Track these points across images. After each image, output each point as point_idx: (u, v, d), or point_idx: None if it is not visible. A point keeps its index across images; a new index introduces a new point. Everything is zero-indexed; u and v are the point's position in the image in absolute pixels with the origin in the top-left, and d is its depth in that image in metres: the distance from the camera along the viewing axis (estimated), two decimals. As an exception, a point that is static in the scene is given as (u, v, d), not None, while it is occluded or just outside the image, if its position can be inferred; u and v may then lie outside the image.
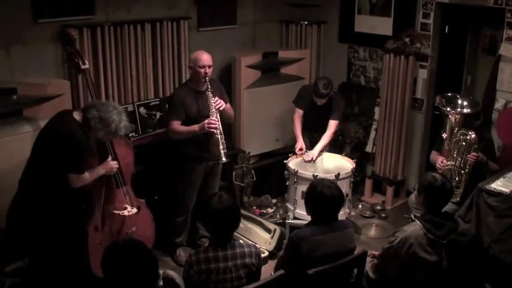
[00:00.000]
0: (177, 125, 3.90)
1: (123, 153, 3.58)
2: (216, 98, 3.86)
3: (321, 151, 4.56)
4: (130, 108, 4.36)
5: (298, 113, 4.72)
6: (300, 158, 4.54)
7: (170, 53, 4.65)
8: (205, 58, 3.83)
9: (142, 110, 4.43)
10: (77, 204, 3.37)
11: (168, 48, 4.62)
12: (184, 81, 4.66)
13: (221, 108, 3.85)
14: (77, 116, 3.18)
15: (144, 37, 4.46)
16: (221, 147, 3.82)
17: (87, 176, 3.26)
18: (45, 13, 3.92)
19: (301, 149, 4.59)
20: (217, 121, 3.80)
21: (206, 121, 3.77)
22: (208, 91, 3.83)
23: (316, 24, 5.50)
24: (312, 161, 4.47)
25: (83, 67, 3.54)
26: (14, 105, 3.60)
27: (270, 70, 5.17)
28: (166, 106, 4.32)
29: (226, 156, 3.86)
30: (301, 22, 5.46)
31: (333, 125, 4.57)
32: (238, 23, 5.23)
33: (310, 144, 4.68)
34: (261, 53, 5.06)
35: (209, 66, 3.83)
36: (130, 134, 4.29)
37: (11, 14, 3.79)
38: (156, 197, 4.24)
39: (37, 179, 3.17)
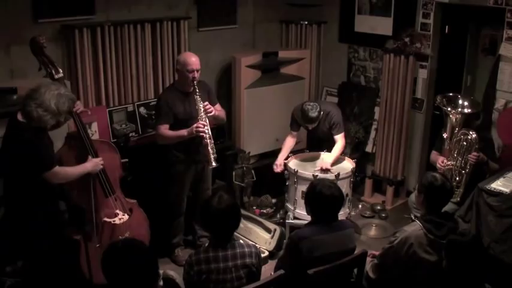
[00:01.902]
0: (164, 129, 3.84)
1: (108, 157, 3.45)
2: (206, 102, 3.79)
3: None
4: (130, 108, 4.37)
5: (291, 134, 4.59)
6: (301, 158, 4.54)
7: (170, 53, 4.65)
8: (193, 62, 3.76)
9: (142, 110, 4.43)
10: (59, 210, 3.34)
11: (168, 48, 4.62)
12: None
13: (211, 114, 3.80)
14: (20, 116, 3.03)
15: (144, 37, 4.46)
16: (210, 151, 3.74)
17: (72, 171, 3.18)
18: (45, 13, 3.92)
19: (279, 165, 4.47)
20: (206, 125, 3.74)
21: (194, 125, 3.72)
22: (196, 95, 3.76)
23: (316, 24, 5.50)
24: (327, 170, 4.26)
25: (56, 76, 3.28)
26: (14, 105, 3.58)
27: (270, 70, 5.16)
28: (154, 110, 4.20)
29: (216, 161, 3.78)
30: (301, 22, 5.46)
31: (339, 139, 4.47)
32: (238, 23, 5.23)
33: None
34: (261, 53, 5.06)
35: (197, 70, 3.77)
36: (130, 134, 4.29)
37: (11, 14, 3.79)
38: (156, 197, 4.23)
39: (14, 188, 3.12)
